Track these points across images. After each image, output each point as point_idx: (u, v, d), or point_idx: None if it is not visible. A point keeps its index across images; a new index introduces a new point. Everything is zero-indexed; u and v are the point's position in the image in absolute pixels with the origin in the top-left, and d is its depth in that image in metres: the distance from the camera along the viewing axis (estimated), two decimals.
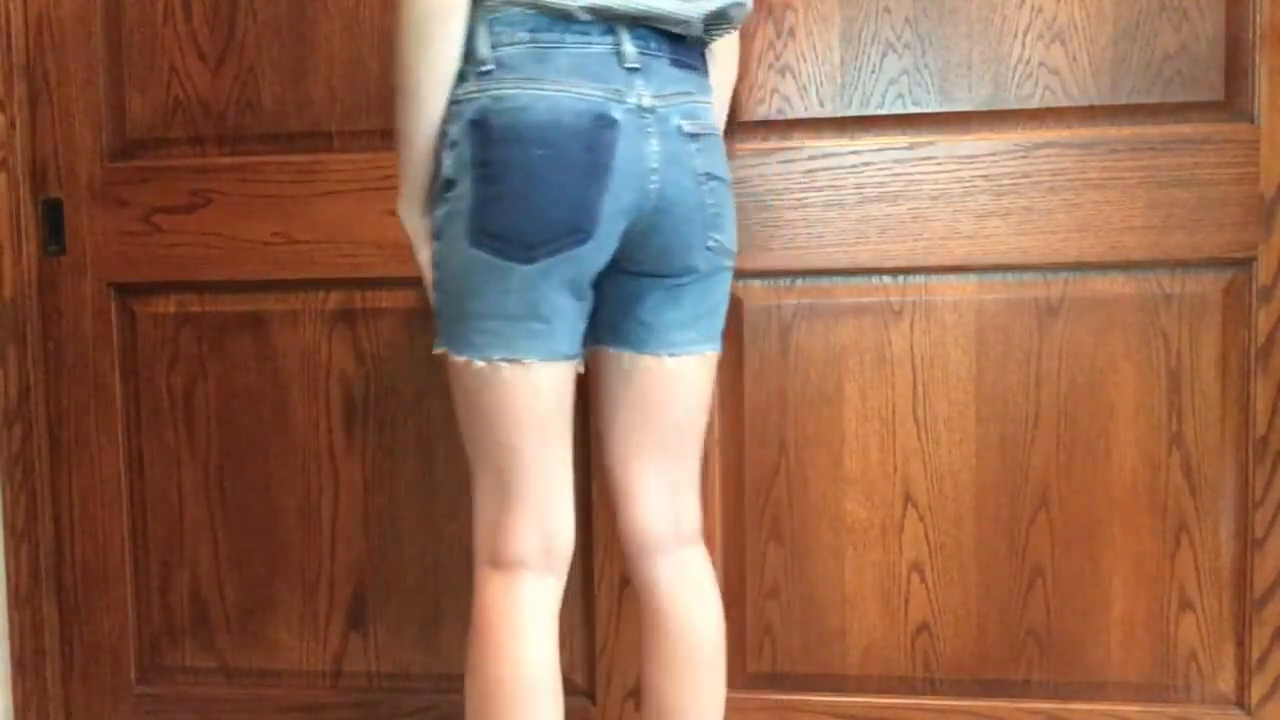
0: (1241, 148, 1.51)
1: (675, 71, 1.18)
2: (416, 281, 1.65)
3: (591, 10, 1.14)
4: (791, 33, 1.57)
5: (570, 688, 1.67)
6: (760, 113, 1.59)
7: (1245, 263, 1.53)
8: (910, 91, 1.57)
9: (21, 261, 1.72)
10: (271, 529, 1.72)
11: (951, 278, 1.58)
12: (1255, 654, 1.55)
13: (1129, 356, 1.56)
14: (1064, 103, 1.54)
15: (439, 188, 1.17)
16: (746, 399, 1.61)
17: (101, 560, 1.75)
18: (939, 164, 1.55)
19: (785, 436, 1.61)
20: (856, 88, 1.57)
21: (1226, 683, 1.57)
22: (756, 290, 1.61)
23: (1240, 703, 1.57)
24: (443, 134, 1.16)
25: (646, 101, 1.15)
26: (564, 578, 1.23)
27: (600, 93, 1.13)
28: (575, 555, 1.64)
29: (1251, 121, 1.51)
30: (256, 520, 1.72)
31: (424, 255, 1.21)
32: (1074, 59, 1.54)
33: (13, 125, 1.70)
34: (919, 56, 1.56)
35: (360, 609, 1.71)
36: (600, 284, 1.22)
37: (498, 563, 1.21)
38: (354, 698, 1.72)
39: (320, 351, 1.69)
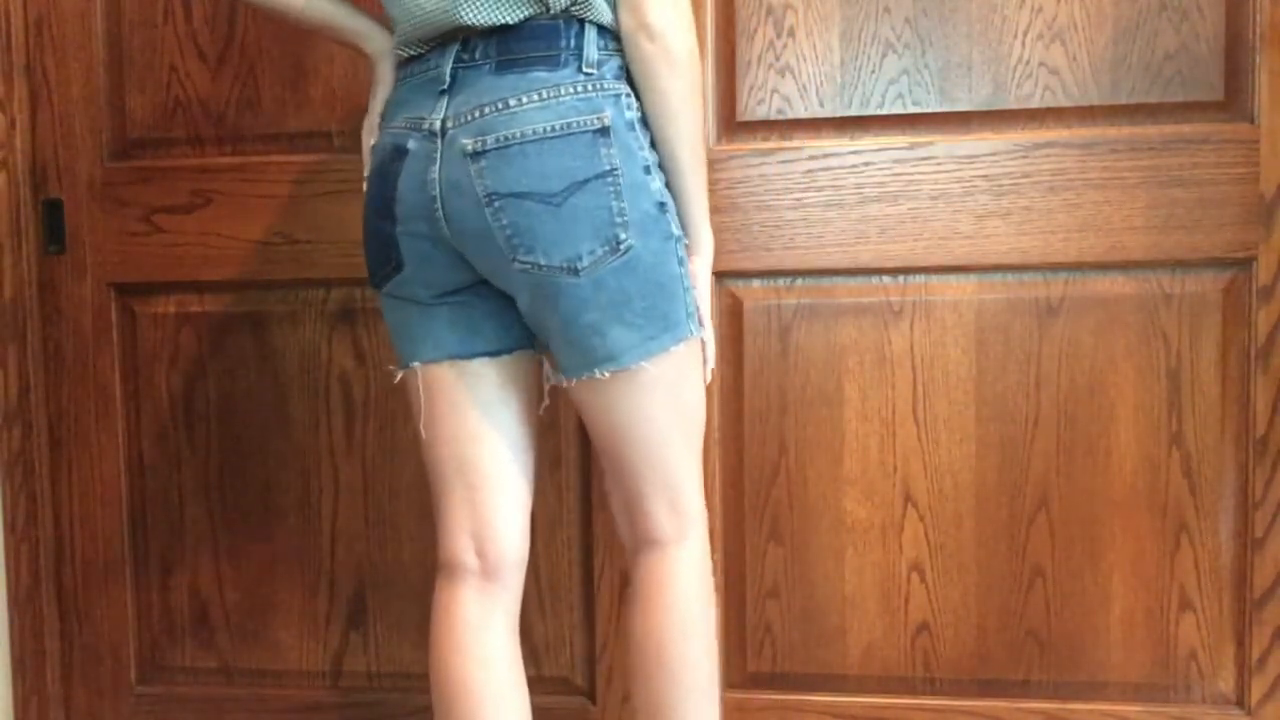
0: (1241, 148, 1.51)
1: (491, 79, 1.12)
2: None
3: (402, 45, 1.19)
4: (791, 33, 1.57)
5: (570, 688, 1.67)
6: (760, 113, 1.59)
7: (1245, 263, 1.53)
8: (910, 91, 1.57)
9: (21, 261, 1.72)
10: (271, 529, 1.72)
11: (951, 278, 1.58)
12: (1255, 654, 1.55)
13: (1129, 356, 1.56)
14: (1064, 103, 1.54)
15: None
16: (746, 399, 1.61)
17: (102, 561, 1.75)
18: (939, 164, 1.55)
19: (785, 436, 1.61)
20: (856, 88, 1.57)
21: (1226, 683, 1.57)
22: (756, 290, 1.60)
23: (1240, 703, 1.57)
24: None
25: (438, 125, 1.13)
26: (512, 585, 1.24)
27: (405, 124, 1.17)
28: (575, 556, 1.65)
29: (1251, 121, 1.51)
30: (256, 520, 1.72)
31: None
32: (1074, 59, 1.54)
33: (13, 125, 1.70)
34: (919, 56, 1.56)
35: (360, 609, 1.71)
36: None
37: (440, 565, 1.25)
38: (354, 698, 1.72)
39: (320, 351, 1.69)
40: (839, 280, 1.59)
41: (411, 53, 1.18)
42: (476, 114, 1.11)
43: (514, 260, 1.12)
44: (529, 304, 1.16)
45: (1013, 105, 1.55)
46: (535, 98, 1.11)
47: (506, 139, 1.10)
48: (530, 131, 1.10)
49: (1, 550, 1.74)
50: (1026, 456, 1.58)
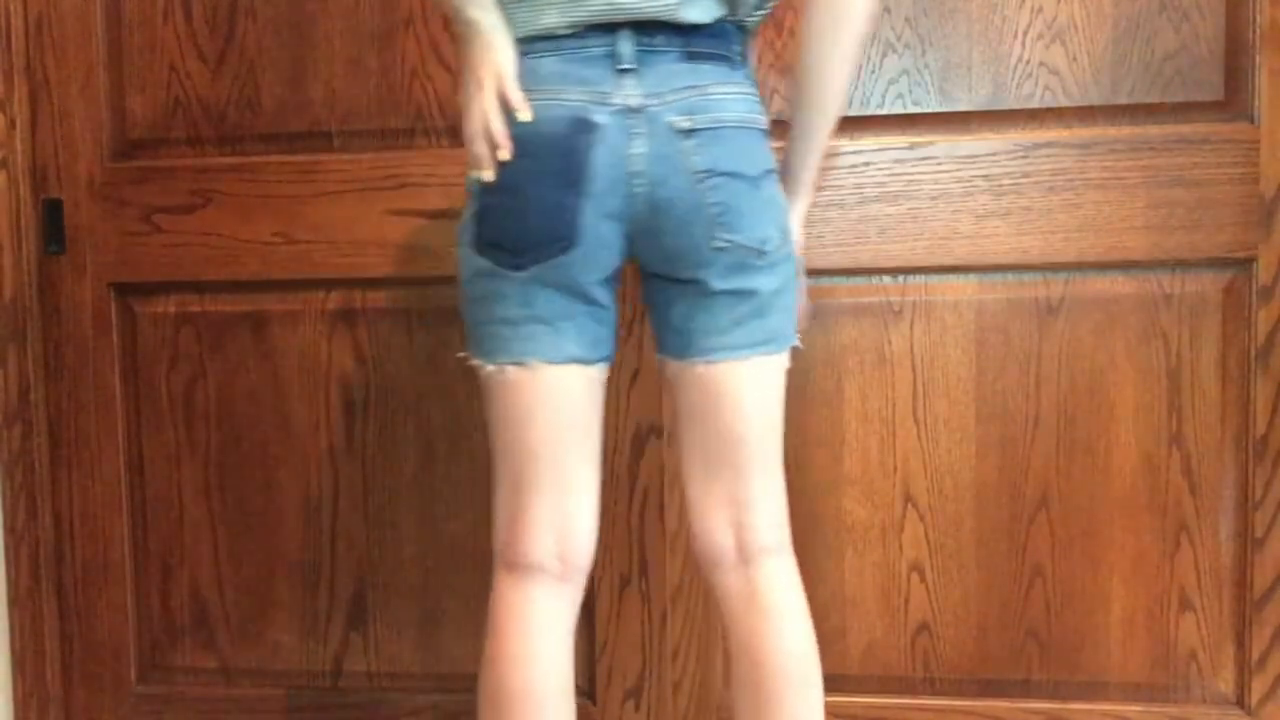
0: (1241, 148, 1.51)
1: (682, 66, 1.14)
2: (417, 281, 1.65)
3: (572, 26, 1.14)
4: (791, 33, 1.57)
5: None
6: None
7: (1245, 263, 1.53)
8: (910, 91, 1.57)
9: (21, 261, 1.72)
10: (271, 529, 1.72)
11: (951, 278, 1.58)
12: (1255, 654, 1.55)
13: (1129, 356, 1.56)
14: (1064, 103, 1.54)
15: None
16: None
17: (101, 560, 1.75)
18: (939, 164, 1.55)
19: (785, 436, 1.61)
20: (856, 88, 1.57)
21: (1226, 683, 1.57)
22: None
23: (1240, 703, 1.57)
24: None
25: (635, 102, 1.13)
26: (581, 587, 1.21)
27: (583, 97, 1.13)
28: None
29: (1251, 121, 1.51)
30: (256, 520, 1.72)
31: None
32: (1074, 59, 1.54)
33: (13, 125, 1.70)
34: (919, 56, 1.56)
35: (360, 609, 1.71)
36: (647, 289, 1.22)
37: (511, 565, 1.21)
38: (354, 698, 1.72)
39: (320, 351, 1.69)
40: (839, 280, 1.59)
41: (566, 31, 1.16)
42: (678, 95, 1.13)
43: (714, 237, 1.14)
44: (704, 283, 1.16)
45: (1013, 105, 1.55)
46: (727, 89, 1.16)
47: (713, 121, 1.14)
48: (730, 118, 1.15)
49: (1, 550, 1.74)
50: (1026, 456, 1.58)
